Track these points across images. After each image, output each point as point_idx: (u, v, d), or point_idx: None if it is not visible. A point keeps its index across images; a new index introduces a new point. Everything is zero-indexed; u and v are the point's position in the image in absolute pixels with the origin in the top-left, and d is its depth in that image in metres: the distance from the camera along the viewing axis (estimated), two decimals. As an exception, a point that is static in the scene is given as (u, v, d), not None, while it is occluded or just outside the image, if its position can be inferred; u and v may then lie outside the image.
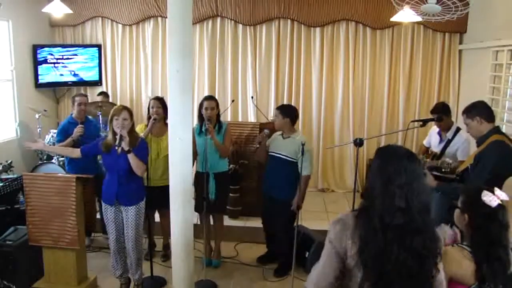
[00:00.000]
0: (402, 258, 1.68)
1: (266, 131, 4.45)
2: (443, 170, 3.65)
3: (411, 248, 1.68)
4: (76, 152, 3.96)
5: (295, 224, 4.18)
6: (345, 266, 1.81)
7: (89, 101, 5.29)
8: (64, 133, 4.76)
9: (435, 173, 3.69)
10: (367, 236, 1.72)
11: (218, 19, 6.97)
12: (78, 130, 4.67)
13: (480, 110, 3.34)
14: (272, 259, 4.74)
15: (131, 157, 3.67)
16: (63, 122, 5.05)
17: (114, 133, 3.70)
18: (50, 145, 5.49)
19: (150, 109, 4.52)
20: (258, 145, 4.41)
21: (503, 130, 5.05)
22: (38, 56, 6.75)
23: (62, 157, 5.55)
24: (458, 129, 4.23)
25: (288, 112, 4.31)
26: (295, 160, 4.24)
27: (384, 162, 1.78)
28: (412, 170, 1.72)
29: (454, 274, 2.04)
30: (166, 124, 4.52)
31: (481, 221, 2.08)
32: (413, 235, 1.69)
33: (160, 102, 4.52)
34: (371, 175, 1.81)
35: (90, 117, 5.33)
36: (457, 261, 2.07)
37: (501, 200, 2.08)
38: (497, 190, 2.10)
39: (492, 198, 2.06)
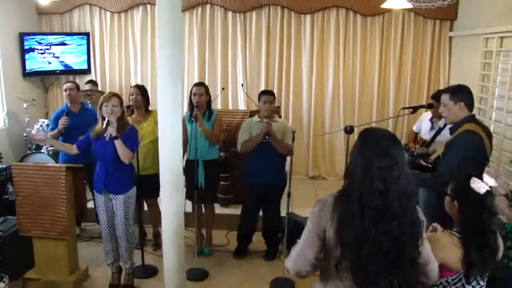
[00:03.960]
0: (379, 242, 1.69)
1: (266, 120, 4.30)
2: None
3: (388, 233, 1.69)
4: (74, 149, 3.93)
5: (285, 211, 4.20)
6: (325, 246, 1.82)
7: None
8: (56, 122, 4.71)
9: (421, 162, 3.64)
10: (345, 218, 1.72)
11: (208, 6, 6.90)
12: (62, 122, 4.61)
13: (467, 97, 3.17)
14: (246, 251, 4.77)
15: (117, 143, 3.65)
16: (57, 111, 4.99)
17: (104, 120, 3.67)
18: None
19: (130, 97, 4.50)
20: (267, 137, 4.24)
21: (492, 116, 5.10)
22: (25, 44, 6.63)
23: (52, 146, 5.51)
24: None
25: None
26: None
27: (367, 144, 1.78)
28: (394, 154, 1.72)
29: (443, 259, 2.06)
30: (148, 111, 4.52)
31: (470, 208, 2.09)
32: (390, 220, 1.69)
33: (140, 90, 4.49)
34: (353, 156, 1.80)
35: (87, 105, 5.25)
36: (446, 247, 2.08)
37: (490, 187, 2.09)
38: (485, 177, 2.11)
39: (481, 185, 2.07)
